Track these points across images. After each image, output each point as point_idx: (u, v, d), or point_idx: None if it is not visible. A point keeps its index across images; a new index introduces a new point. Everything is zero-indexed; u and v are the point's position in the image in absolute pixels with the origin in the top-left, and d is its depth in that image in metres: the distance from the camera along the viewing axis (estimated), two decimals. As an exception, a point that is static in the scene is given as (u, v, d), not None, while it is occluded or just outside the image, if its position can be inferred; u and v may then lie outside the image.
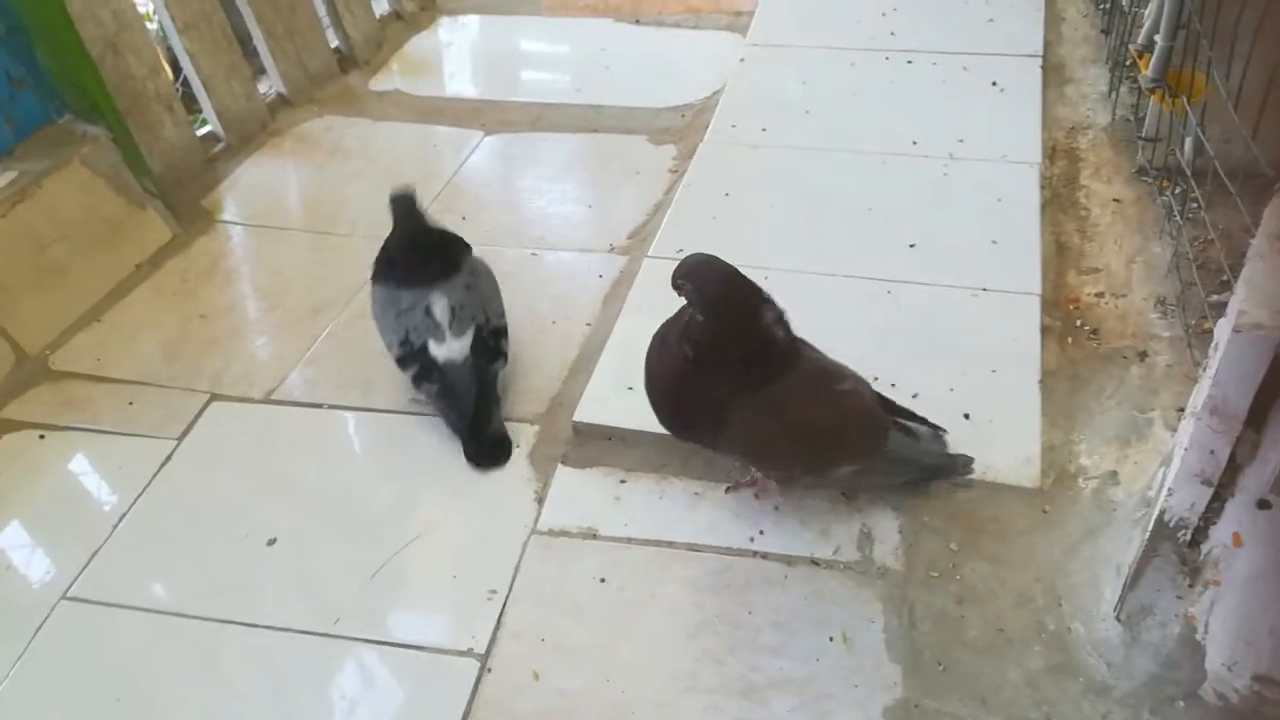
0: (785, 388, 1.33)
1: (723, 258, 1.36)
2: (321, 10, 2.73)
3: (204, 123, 2.46)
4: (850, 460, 1.43)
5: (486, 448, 1.65)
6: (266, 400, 1.80)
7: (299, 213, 2.30)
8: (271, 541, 1.55)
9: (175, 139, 2.28)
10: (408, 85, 2.75)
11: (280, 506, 1.60)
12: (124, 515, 1.61)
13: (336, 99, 2.67)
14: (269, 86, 2.61)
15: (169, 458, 1.70)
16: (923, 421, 1.51)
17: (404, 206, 1.72)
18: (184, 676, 1.38)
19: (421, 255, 1.72)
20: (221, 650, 1.41)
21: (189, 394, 1.81)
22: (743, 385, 1.32)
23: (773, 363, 1.33)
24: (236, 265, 2.15)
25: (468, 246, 1.79)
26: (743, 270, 1.35)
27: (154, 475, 1.67)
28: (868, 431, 1.42)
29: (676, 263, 1.35)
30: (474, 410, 1.64)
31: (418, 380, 1.68)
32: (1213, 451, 1.04)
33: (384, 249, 1.76)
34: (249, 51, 2.54)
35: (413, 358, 1.67)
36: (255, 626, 1.43)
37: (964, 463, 1.49)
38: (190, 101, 2.46)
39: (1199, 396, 1.05)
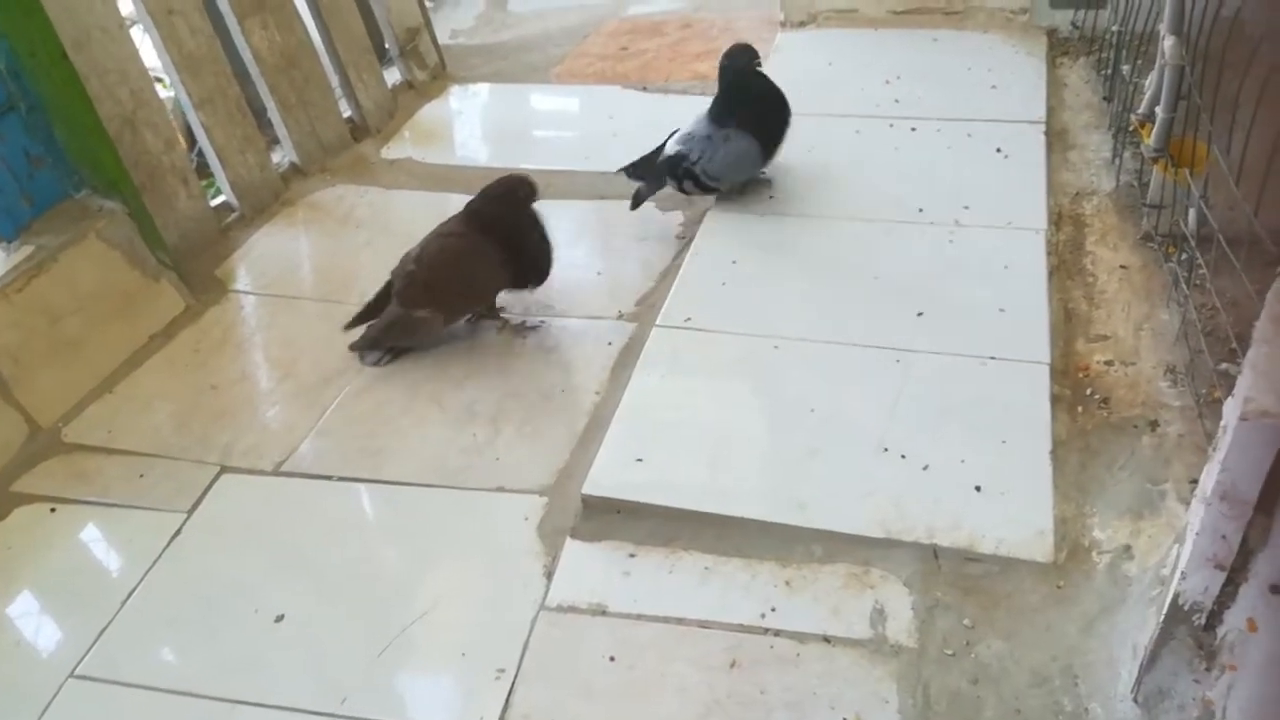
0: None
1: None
2: (335, 80, 2.78)
3: (218, 193, 2.50)
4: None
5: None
6: (276, 472, 1.80)
7: (311, 282, 2.32)
8: (280, 618, 1.54)
9: (190, 210, 2.32)
10: (419, 153, 2.79)
11: (289, 581, 1.60)
12: (133, 590, 1.61)
13: (349, 168, 2.72)
14: (282, 156, 2.65)
15: (179, 531, 1.70)
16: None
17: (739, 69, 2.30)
18: (189, 759, 1.37)
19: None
20: (228, 731, 1.40)
21: (199, 466, 1.82)
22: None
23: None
24: (248, 335, 2.17)
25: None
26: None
27: (163, 549, 1.67)
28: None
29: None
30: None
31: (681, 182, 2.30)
32: (1224, 536, 1.03)
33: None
34: (263, 122, 2.59)
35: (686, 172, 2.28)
36: (263, 706, 1.42)
37: None
38: (205, 171, 2.50)
39: (1208, 481, 1.05)
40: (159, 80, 2.37)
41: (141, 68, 2.22)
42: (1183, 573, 1.08)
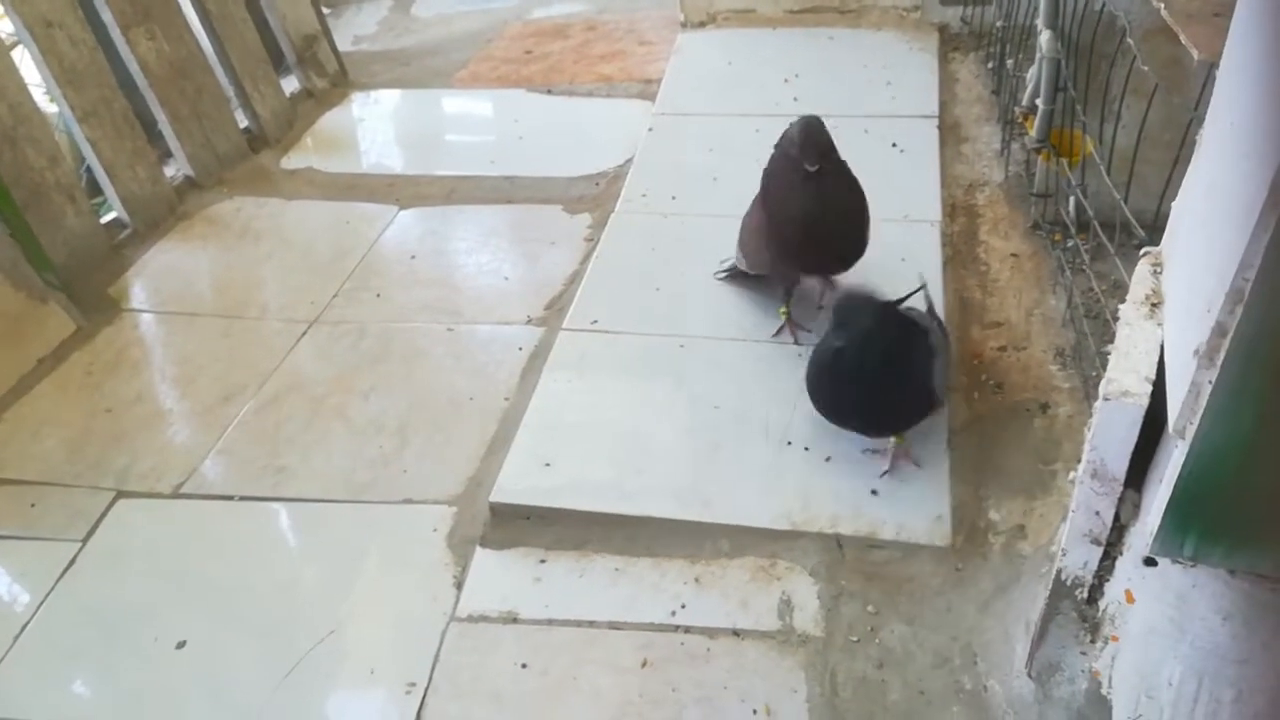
0: None
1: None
2: (230, 91, 2.72)
3: (109, 209, 2.42)
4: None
5: None
6: (175, 495, 1.75)
7: (209, 297, 2.26)
8: (181, 644, 1.50)
9: (78, 228, 2.24)
10: (321, 163, 2.74)
11: (190, 607, 1.56)
12: (27, 624, 1.55)
13: (247, 179, 2.66)
14: (176, 169, 2.58)
15: (73, 561, 1.64)
16: None
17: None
18: (88, 797, 1.33)
19: None
20: (129, 765, 1.36)
21: (94, 492, 1.76)
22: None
23: None
24: (144, 354, 2.10)
25: None
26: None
27: (58, 580, 1.61)
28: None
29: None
30: None
31: None
32: (1098, 513, 1.07)
33: None
34: (154, 135, 2.51)
35: None
36: (165, 736, 1.39)
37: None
38: (95, 188, 2.42)
39: (1082, 460, 1.09)
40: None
41: (20, 81, 2.14)
42: (1063, 549, 1.12)
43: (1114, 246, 1.52)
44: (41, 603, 1.58)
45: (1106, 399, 0.98)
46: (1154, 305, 1.07)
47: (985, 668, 1.35)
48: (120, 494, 1.76)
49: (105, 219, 2.38)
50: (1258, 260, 0.79)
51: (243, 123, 2.73)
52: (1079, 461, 1.51)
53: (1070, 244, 1.87)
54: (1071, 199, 1.77)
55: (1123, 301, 1.13)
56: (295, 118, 2.88)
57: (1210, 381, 0.87)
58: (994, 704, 1.31)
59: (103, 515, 1.72)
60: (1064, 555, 1.13)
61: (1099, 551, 1.10)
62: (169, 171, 2.54)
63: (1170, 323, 1.02)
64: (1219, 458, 0.90)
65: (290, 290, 2.24)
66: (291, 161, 2.74)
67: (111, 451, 1.84)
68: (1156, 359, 1.02)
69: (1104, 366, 1.62)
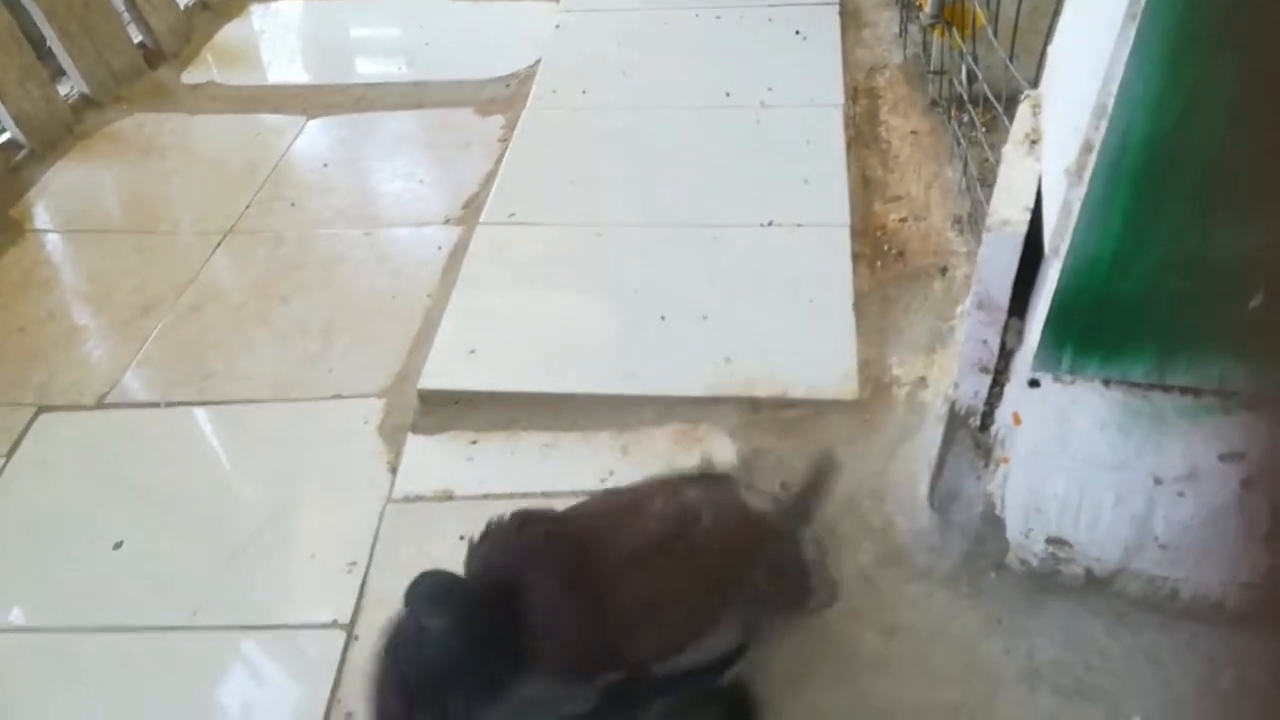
0: None
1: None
2: (120, 4, 2.62)
3: (2, 130, 2.33)
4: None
5: None
6: (100, 405, 1.75)
7: (117, 214, 2.22)
8: (118, 545, 1.52)
9: (-30, 149, 2.17)
10: (223, 76, 2.67)
11: (124, 510, 1.57)
12: (-44, 539, 1.55)
13: (146, 95, 2.58)
14: (70, 87, 2.49)
15: (-1, 475, 1.64)
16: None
17: None
18: (44, 690, 1.35)
19: None
20: (80, 659, 1.38)
21: (14, 408, 1.75)
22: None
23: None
24: (53, 274, 2.06)
25: None
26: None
27: (-15, 495, 1.61)
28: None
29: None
30: None
31: None
32: (985, 341, 1.15)
33: None
34: (44, 53, 2.42)
35: None
36: (113, 630, 1.41)
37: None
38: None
39: (969, 295, 1.17)
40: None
41: (-109, -4, 2.04)
42: (955, 382, 1.21)
43: (1008, 117, 1.59)
44: (-29, 517, 1.58)
45: (989, 230, 1.06)
46: (1033, 142, 1.14)
47: (892, 506, 1.45)
48: (41, 408, 1.75)
49: (-1, 140, 2.30)
50: (1119, 73, 0.86)
51: (137, 38, 2.64)
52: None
53: (966, 117, 1.94)
54: (964, 69, 1.84)
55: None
56: (192, 31, 2.79)
57: (1080, 199, 0.95)
58: (899, 536, 1.41)
59: (25, 429, 1.71)
60: (956, 387, 1.21)
61: (988, 380, 1.19)
62: (63, 90, 2.45)
63: (1046, 153, 1.09)
64: (1089, 270, 0.98)
65: (201, 204, 2.21)
66: (192, 76, 2.66)
67: (28, 368, 1.82)
68: (1035, 190, 1.09)
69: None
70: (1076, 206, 0.95)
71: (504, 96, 2.49)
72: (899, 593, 1.36)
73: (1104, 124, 0.89)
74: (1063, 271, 0.99)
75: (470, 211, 2.12)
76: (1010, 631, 1.30)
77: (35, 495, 1.61)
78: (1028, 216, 1.06)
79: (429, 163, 2.32)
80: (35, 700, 1.34)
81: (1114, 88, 0.87)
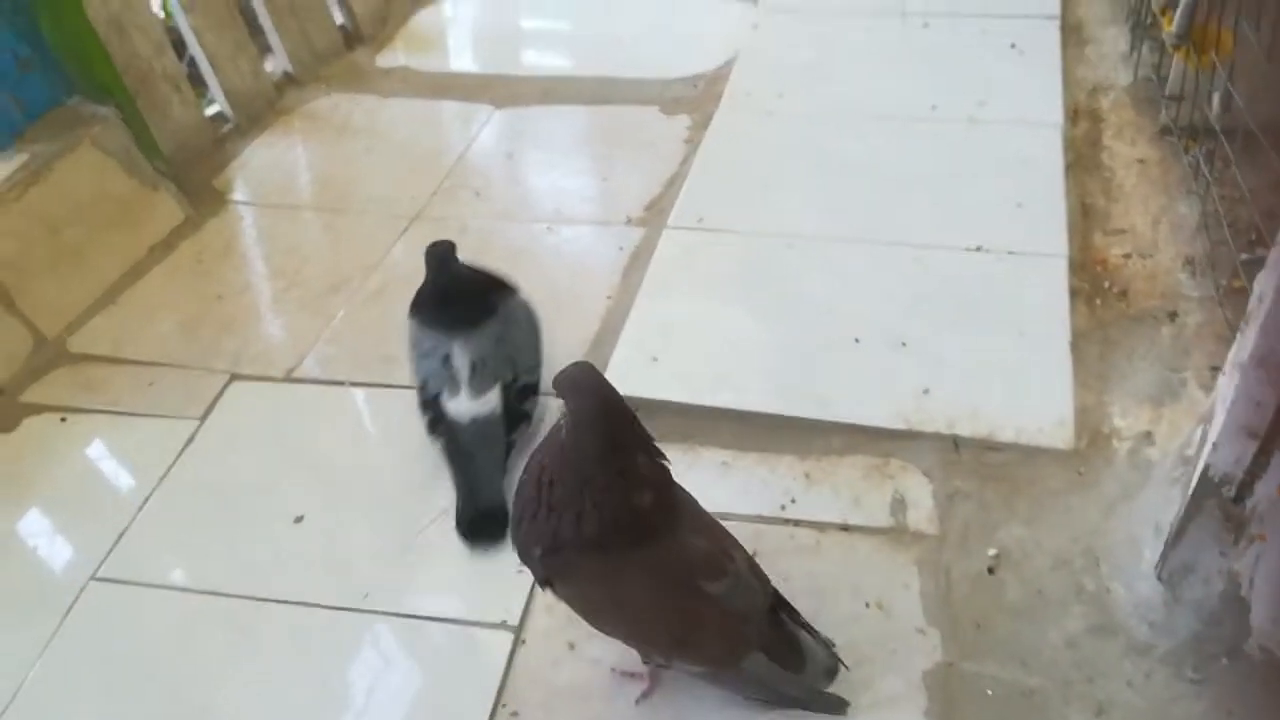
0: (638, 564, 1.09)
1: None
2: (326, -14, 2.69)
3: (211, 102, 2.43)
4: (694, 662, 1.20)
5: (479, 521, 1.47)
6: (287, 379, 1.78)
7: (311, 191, 2.28)
8: (299, 519, 1.54)
9: (184, 119, 2.26)
10: (414, 61, 2.72)
11: (305, 484, 1.59)
12: (149, 496, 1.60)
13: (343, 76, 2.65)
14: (275, 65, 2.58)
15: (192, 438, 1.69)
16: (819, 639, 1.23)
17: (438, 258, 1.58)
18: (217, 654, 1.38)
19: (450, 300, 1.59)
20: (253, 627, 1.40)
21: (209, 374, 1.80)
22: (593, 540, 1.07)
23: (633, 527, 1.08)
24: (251, 245, 2.13)
25: (511, 290, 1.64)
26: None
27: (178, 456, 1.66)
28: (717, 643, 1.16)
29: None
30: (474, 477, 1.49)
31: (430, 427, 1.56)
32: (1259, 403, 1.02)
33: (419, 289, 1.63)
34: (254, 29, 2.51)
35: (426, 405, 1.56)
36: (288, 603, 1.43)
37: (834, 704, 1.22)
38: (196, 82, 2.43)
39: (1244, 349, 1.04)
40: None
41: (127, -33, 2.14)
42: (1214, 444, 1.08)
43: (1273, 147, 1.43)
44: (164, 476, 1.63)
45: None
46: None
47: (1108, 570, 1.32)
48: (234, 376, 1.79)
49: (208, 112, 2.39)
50: None
51: (339, 19, 2.71)
52: (1213, 369, 1.46)
53: (1207, 149, 1.77)
54: (1216, 96, 1.67)
55: (1267, 208, 1.06)
56: (389, 15, 2.85)
57: None
58: (1118, 605, 1.28)
59: (219, 396, 1.76)
60: (1214, 450, 1.08)
61: (1254, 445, 1.05)
62: (269, 67, 2.54)
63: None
64: None
65: (389, 187, 2.24)
66: (386, 59, 2.72)
67: (224, 336, 1.88)
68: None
69: (1243, 274, 1.56)
70: None
71: (691, 97, 2.44)
72: (1113, 668, 1.24)
73: None
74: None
75: (653, 213, 2.08)
76: (1243, 728, 1.16)
77: (225, 461, 1.65)
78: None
79: (612, 160, 2.29)
80: (215, 663, 1.36)
81: None
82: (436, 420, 1.55)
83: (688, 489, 1.50)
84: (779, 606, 1.22)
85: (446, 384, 1.54)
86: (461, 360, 1.53)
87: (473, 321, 1.56)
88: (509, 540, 1.23)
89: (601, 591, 1.14)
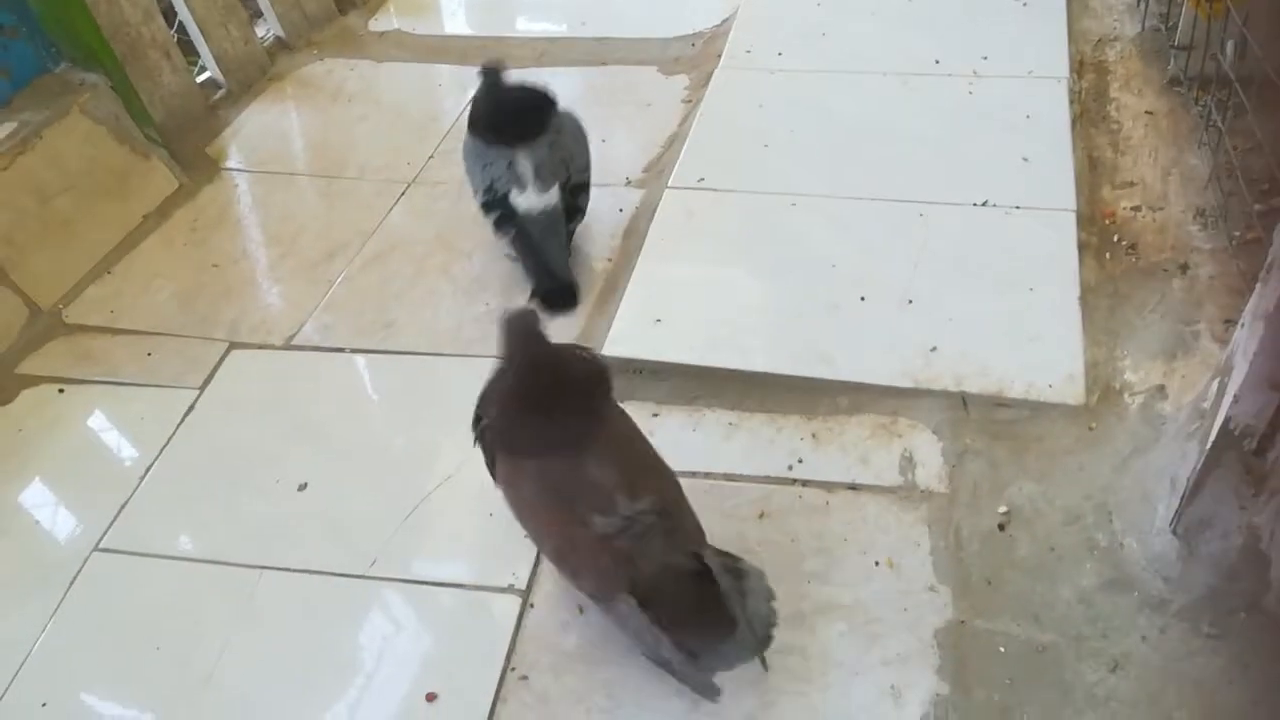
0: (532, 473, 1.20)
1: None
2: (315, -51, 2.64)
3: (202, 69, 2.39)
4: (575, 585, 1.25)
5: (555, 293, 1.74)
6: (287, 346, 1.76)
7: (306, 158, 2.24)
8: (303, 487, 1.52)
9: (175, 86, 2.22)
10: (407, 25, 2.67)
11: (308, 452, 1.58)
12: (150, 466, 1.58)
13: (336, 41, 2.60)
14: (266, 30, 2.53)
15: (192, 407, 1.67)
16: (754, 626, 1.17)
17: (490, 79, 1.80)
18: (222, 622, 1.36)
19: (507, 119, 1.78)
20: (258, 595, 1.39)
21: (207, 343, 1.78)
22: (503, 432, 1.23)
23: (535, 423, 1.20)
24: (246, 213, 2.10)
25: (554, 101, 1.83)
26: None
27: (178, 425, 1.64)
28: (591, 574, 1.19)
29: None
30: (548, 258, 1.74)
31: (497, 224, 1.77)
32: (1283, 354, 1.00)
33: (474, 105, 1.85)
34: (243, -6, 2.46)
35: (495, 205, 1.76)
36: (292, 571, 1.41)
37: (705, 688, 1.16)
38: (186, 49, 2.39)
39: (1265, 300, 1.02)
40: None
41: (112, -70, 2.09)
42: (1235, 396, 1.06)
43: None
44: (165, 445, 1.61)
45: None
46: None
47: (1122, 526, 1.31)
48: (233, 345, 1.77)
49: (199, 79, 2.35)
50: None
51: (329, -18, 2.66)
52: (1227, 322, 1.44)
53: (1218, 99, 1.74)
54: (1230, 44, 1.63)
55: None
56: (381, -22, 2.80)
57: None
58: (1131, 560, 1.27)
59: (218, 364, 1.74)
60: (1235, 403, 1.06)
61: (1277, 398, 1.03)
62: (260, 32, 2.49)
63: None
64: None
65: (386, 151, 2.21)
66: (379, 23, 2.67)
67: (221, 305, 1.85)
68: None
69: (1260, 225, 1.53)
70: None
71: (689, 56, 2.40)
72: (1127, 623, 1.22)
73: None
74: None
75: (652, 174, 2.04)
76: (1260, 682, 1.15)
77: (226, 429, 1.63)
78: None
79: (610, 122, 2.24)
80: (220, 632, 1.35)
81: None
82: (505, 217, 1.76)
83: (696, 450, 1.49)
84: (727, 573, 1.17)
85: (514, 184, 1.74)
86: (526, 165, 1.74)
87: (530, 132, 1.76)
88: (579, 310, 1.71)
89: (510, 492, 1.25)
